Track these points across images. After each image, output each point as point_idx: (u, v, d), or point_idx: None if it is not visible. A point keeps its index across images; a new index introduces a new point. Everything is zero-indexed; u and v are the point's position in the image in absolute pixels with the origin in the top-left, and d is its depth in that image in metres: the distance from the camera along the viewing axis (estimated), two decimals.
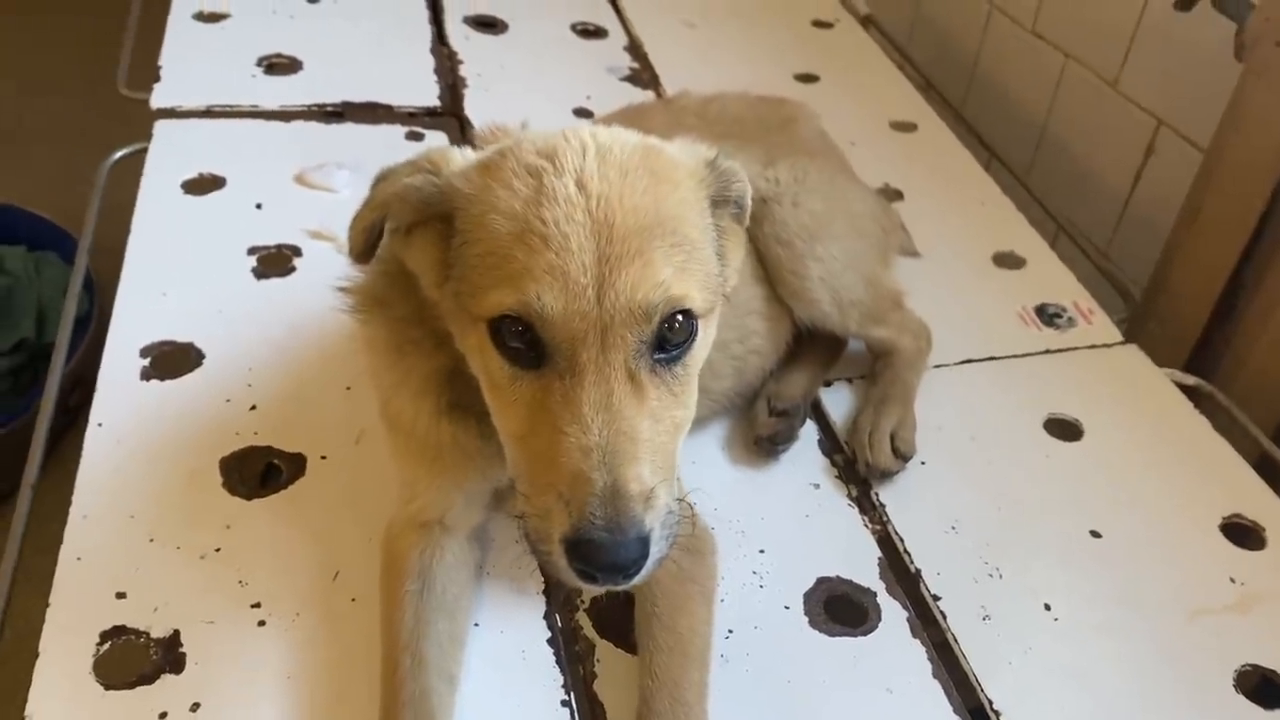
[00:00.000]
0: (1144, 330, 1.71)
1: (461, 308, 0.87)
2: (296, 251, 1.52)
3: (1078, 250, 1.92)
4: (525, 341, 0.83)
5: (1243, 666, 1.15)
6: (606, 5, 2.31)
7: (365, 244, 0.93)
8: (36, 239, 2.55)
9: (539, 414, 0.83)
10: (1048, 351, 1.56)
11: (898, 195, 1.82)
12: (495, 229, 0.83)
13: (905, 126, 2.04)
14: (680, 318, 0.84)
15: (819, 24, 2.37)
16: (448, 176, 0.89)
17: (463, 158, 0.91)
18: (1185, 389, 1.52)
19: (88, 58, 3.49)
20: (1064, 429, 1.43)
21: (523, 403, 0.84)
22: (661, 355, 0.84)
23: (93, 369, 1.30)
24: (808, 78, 2.14)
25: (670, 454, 0.85)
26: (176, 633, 1.04)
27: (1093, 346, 1.58)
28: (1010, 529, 1.28)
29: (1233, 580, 1.24)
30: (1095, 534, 1.28)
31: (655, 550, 0.80)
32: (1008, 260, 1.73)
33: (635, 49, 2.17)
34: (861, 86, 2.14)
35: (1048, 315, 1.62)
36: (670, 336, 0.84)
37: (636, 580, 0.80)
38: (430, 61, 1.99)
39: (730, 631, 1.12)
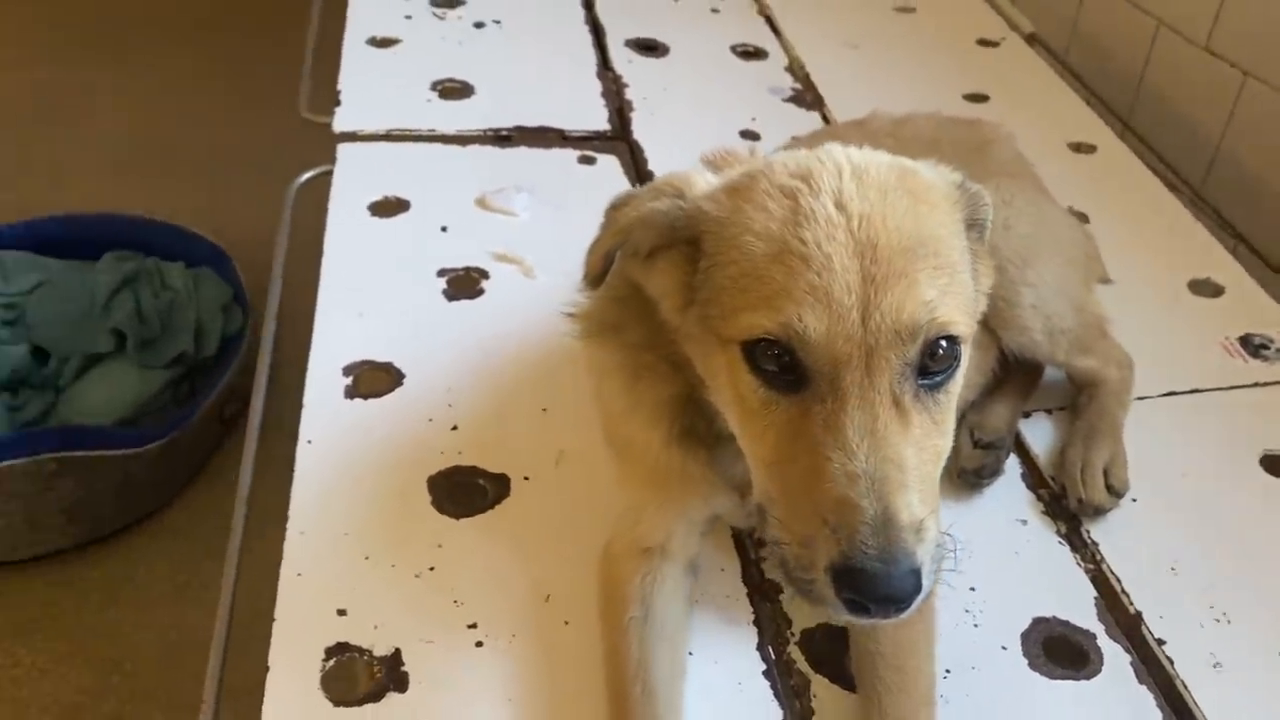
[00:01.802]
0: None
1: (709, 331, 0.86)
2: (484, 274, 1.54)
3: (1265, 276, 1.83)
4: (781, 365, 0.81)
5: None
6: (764, 26, 2.30)
7: (603, 269, 0.92)
8: (193, 257, 2.63)
9: (796, 440, 0.81)
10: (1257, 384, 1.48)
11: (1083, 219, 1.75)
12: (750, 250, 0.82)
13: (1084, 148, 1.97)
14: (944, 343, 0.81)
15: (984, 43, 2.31)
16: (694, 200, 0.88)
17: (705, 181, 0.90)
18: None
19: (245, 80, 3.61)
20: None
21: (776, 428, 0.82)
22: (925, 381, 0.82)
23: (248, 382, 1.41)
24: (977, 98, 2.09)
25: (934, 484, 0.82)
26: (398, 651, 1.05)
27: None
28: (1235, 572, 1.22)
29: None
30: None
31: (927, 584, 0.77)
32: (1204, 288, 1.65)
33: (796, 70, 2.15)
34: (1034, 106, 2.07)
35: (1253, 346, 1.54)
36: (933, 364, 0.81)
37: (904, 615, 0.77)
38: (596, 85, 2.01)
39: (948, 671, 1.08)
